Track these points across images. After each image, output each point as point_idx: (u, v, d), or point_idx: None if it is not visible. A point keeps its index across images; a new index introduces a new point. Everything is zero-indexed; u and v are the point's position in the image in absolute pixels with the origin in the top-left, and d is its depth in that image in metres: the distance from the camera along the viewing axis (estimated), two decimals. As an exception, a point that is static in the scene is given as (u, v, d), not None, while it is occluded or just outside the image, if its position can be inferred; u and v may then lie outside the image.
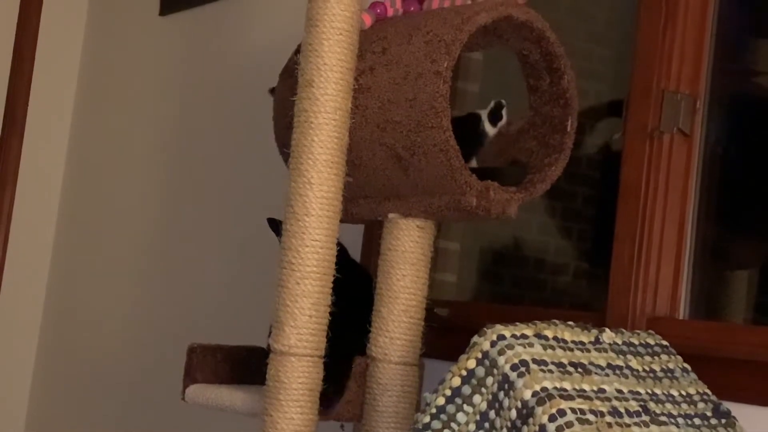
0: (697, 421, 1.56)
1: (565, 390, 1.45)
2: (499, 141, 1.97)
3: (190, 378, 2.01)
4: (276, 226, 1.94)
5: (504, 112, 1.91)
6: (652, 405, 1.52)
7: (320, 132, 1.78)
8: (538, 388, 1.43)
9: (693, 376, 1.65)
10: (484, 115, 1.91)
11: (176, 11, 3.19)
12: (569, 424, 1.38)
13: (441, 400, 1.53)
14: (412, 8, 1.97)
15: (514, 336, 1.51)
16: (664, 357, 1.65)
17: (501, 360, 1.48)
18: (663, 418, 1.51)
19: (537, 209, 3.19)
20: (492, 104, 1.92)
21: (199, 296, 2.92)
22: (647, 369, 1.60)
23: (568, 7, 3.20)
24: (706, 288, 2.01)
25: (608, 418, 1.44)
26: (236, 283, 2.79)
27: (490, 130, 1.91)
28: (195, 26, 3.13)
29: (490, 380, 1.49)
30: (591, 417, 1.42)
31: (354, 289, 1.91)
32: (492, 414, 1.48)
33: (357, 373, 1.85)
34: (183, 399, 2.02)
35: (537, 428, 1.40)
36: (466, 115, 1.93)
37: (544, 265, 3.30)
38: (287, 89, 1.92)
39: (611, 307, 1.89)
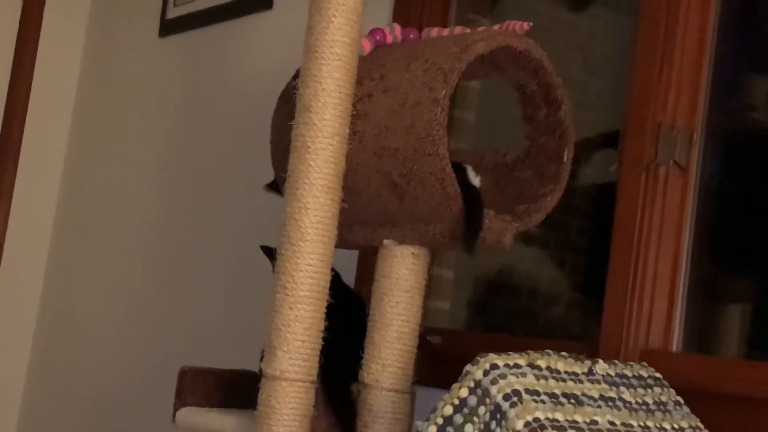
0: (688, 454, 1.56)
1: (558, 421, 1.44)
2: (495, 171, 1.97)
3: (180, 401, 2.00)
4: (269, 252, 1.93)
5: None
6: (644, 438, 1.52)
7: (317, 157, 1.78)
8: (530, 418, 1.42)
9: (686, 409, 1.65)
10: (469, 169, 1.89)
11: (176, 33, 3.19)
12: (561, 456, 1.38)
13: (433, 429, 1.52)
14: (411, 36, 1.97)
15: (507, 365, 1.51)
16: (657, 390, 1.65)
17: (494, 389, 1.47)
18: (655, 451, 1.51)
19: (531, 240, 3.19)
20: None
21: (191, 319, 2.91)
22: (640, 401, 1.60)
23: (565, 39, 3.21)
24: (699, 322, 2.01)
25: (600, 450, 1.43)
26: (229, 306, 2.78)
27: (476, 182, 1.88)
28: (194, 48, 3.14)
29: (482, 409, 1.48)
30: (583, 448, 1.41)
31: (347, 315, 1.91)
32: (483, 443, 1.47)
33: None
34: (173, 422, 2.01)
35: (528, 459, 1.39)
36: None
37: (537, 296, 3.30)
38: (285, 114, 1.92)
39: (604, 338, 1.89)
